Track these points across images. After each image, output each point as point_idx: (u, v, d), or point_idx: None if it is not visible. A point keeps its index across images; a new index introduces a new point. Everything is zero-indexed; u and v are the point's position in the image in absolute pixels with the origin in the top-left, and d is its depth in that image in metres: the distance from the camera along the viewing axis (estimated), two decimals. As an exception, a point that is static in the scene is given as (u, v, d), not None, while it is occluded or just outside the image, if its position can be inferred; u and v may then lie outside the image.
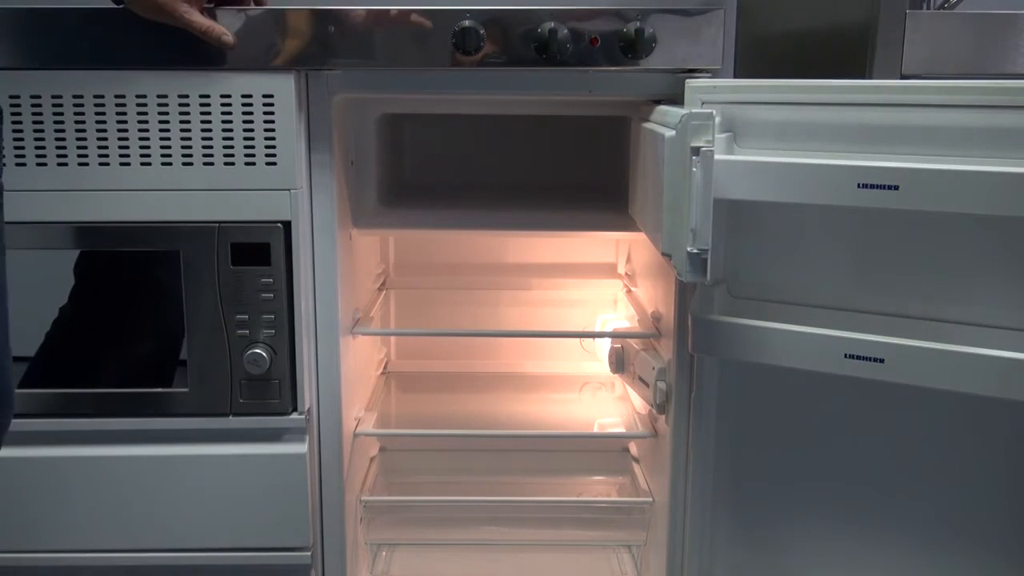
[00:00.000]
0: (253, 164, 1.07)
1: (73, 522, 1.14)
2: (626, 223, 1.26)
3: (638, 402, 1.41)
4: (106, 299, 1.14)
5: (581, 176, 1.55)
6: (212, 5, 1.05)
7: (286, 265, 1.10)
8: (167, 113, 1.06)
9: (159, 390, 1.12)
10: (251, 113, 1.06)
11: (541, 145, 1.55)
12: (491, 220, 1.34)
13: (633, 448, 1.54)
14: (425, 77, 1.10)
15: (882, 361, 0.88)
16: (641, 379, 1.31)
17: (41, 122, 1.06)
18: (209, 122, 1.06)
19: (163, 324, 1.14)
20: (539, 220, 1.34)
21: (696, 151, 0.89)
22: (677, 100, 1.04)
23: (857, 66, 1.20)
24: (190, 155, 1.07)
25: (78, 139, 1.06)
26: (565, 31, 1.05)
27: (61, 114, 1.06)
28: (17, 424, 1.11)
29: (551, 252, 1.65)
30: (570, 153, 1.55)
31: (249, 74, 1.06)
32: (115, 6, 1.04)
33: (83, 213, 1.08)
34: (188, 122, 1.06)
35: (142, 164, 1.07)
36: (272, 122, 1.06)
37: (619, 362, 1.44)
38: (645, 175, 1.10)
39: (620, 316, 1.61)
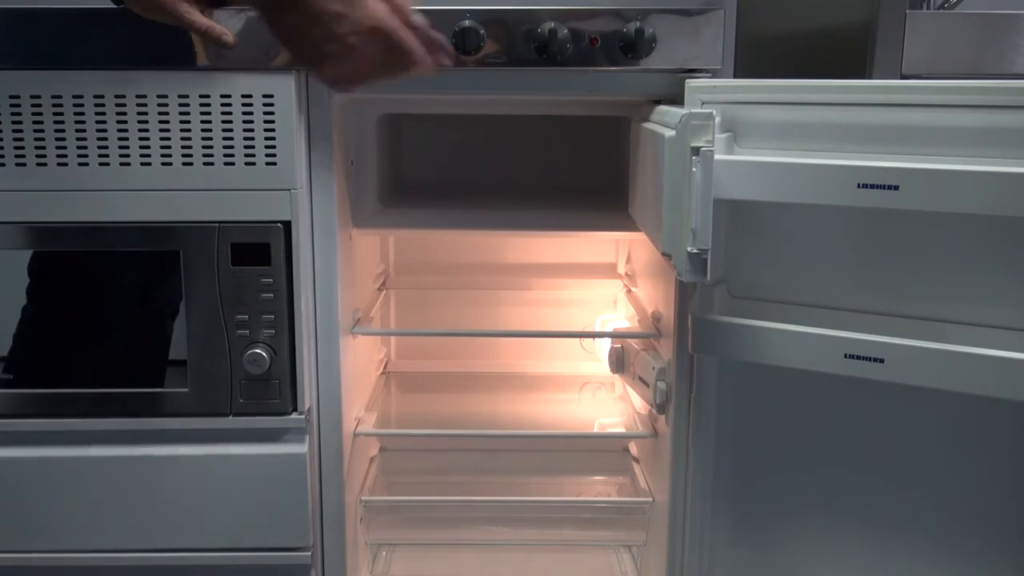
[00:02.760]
0: (253, 164, 1.07)
1: (72, 522, 1.14)
2: (626, 223, 1.25)
3: (638, 402, 1.41)
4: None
5: (581, 176, 1.55)
6: (212, 6, 1.05)
7: (286, 265, 1.10)
8: (167, 113, 1.06)
9: (159, 390, 1.12)
10: (251, 113, 1.06)
11: (541, 145, 1.55)
12: (491, 220, 1.34)
13: (633, 448, 1.54)
14: (425, 77, 1.10)
15: (882, 361, 0.88)
16: (641, 379, 1.31)
17: (41, 122, 1.06)
18: (209, 122, 1.06)
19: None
20: (539, 220, 1.34)
21: (696, 151, 0.89)
22: (677, 100, 1.04)
23: (857, 66, 1.20)
24: (190, 155, 1.07)
25: (78, 139, 1.06)
26: (565, 31, 1.05)
27: (61, 114, 1.06)
28: (15, 424, 1.12)
29: (551, 252, 1.65)
30: (570, 153, 1.55)
31: (249, 74, 1.05)
32: (115, 6, 1.04)
33: (84, 213, 1.08)
34: (188, 122, 1.06)
35: (142, 164, 1.07)
36: (272, 122, 1.06)
37: (619, 362, 1.44)
38: (645, 175, 1.10)
39: (620, 316, 1.61)
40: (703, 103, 0.97)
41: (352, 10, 0.84)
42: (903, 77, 1.17)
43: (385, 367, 1.68)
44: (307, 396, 1.14)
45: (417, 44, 0.88)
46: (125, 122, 1.06)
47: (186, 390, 1.11)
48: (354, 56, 0.85)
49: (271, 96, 1.06)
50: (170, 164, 1.07)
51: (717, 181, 0.88)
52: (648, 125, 1.07)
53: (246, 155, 1.07)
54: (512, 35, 1.06)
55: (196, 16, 1.01)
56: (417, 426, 1.46)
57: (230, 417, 1.12)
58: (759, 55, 1.41)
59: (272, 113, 1.06)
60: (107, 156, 1.07)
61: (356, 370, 1.32)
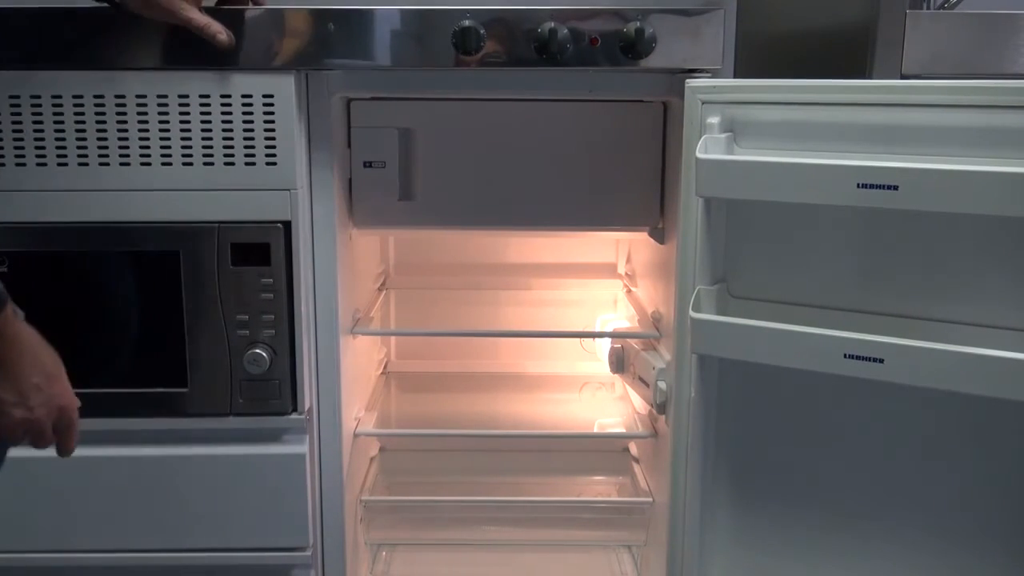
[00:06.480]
0: (253, 164, 1.07)
1: (73, 522, 1.14)
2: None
3: (638, 402, 1.41)
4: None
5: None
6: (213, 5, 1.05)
7: (286, 265, 1.10)
8: (167, 113, 1.06)
9: (159, 390, 1.12)
10: (251, 113, 1.06)
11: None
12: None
13: (633, 448, 1.54)
14: (425, 77, 1.10)
15: (882, 361, 0.88)
16: (641, 379, 1.31)
17: (41, 122, 1.06)
18: (209, 122, 1.06)
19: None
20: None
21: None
22: (677, 100, 1.04)
23: (857, 66, 1.20)
24: (190, 155, 1.07)
25: (78, 139, 1.06)
26: (565, 31, 1.05)
27: (61, 114, 1.06)
28: (17, 424, 1.11)
29: (551, 252, 1.65)
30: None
31: (249, 74, 1.05)
32: (114, 6, 1.04)
33: (83, 213, 1.08)
34: (188, 122, 1.06)
35: (142, 164, 1.07)
36: (272, 122, 1.06)
37: (619, 362, 1.44)
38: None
39: (620, 316, 1.61)
40: (703, 103, 0.97)
41: (50, 386, 0.86)
42: (903, 77, 1.17)
43: (385, 367, 1.68)
44: (307, 396, 1.14)
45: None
46: (125, 122, 1.06)
47: (186, 390, 1.11)
48: (37, 428, 0.87)
49: (271, 96, 1.06)
50: (170, 164, 1.07)
51: (717, 181, 0.89)
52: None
53: (246, 155, 1.07)
54: (512, 35, 1.06)
55: (194, 13, 1.01)
56: (417, 426, 1.46)
57: (230, 417, 1.12)
58: (759, 55, 1.41)
59: (272, 113, 1.06)
60: (107, 156, 1.07)
61: (356, 370, 1.32)
